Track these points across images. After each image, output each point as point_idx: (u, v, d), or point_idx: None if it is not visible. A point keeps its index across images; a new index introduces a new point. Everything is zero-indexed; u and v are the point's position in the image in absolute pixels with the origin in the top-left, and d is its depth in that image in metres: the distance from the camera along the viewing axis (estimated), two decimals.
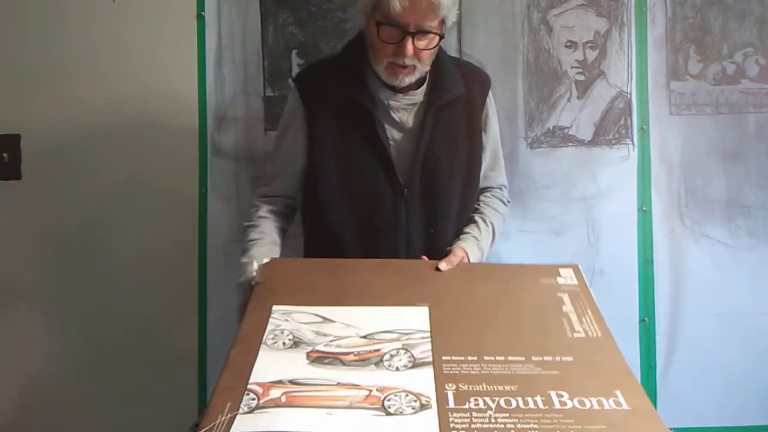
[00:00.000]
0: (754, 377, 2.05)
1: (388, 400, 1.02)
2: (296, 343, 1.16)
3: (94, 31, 2.03)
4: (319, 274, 1.39)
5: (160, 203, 2.03)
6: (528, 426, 0.97)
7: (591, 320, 1.28)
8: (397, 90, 1.55)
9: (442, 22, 1.47)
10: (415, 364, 1.12)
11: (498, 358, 1.13)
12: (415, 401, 1.02)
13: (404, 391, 1.04)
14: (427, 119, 1.54)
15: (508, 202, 1.73)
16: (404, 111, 1.56)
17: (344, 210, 1.54)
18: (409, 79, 1.50)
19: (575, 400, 1.04)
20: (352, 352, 1.14)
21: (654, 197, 2.07)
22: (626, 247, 2.06)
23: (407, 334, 1.19)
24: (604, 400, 1.05)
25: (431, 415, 0.99)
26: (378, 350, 1.15)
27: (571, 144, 2.07)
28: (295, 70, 2.02)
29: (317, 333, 1.19)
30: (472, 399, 1.03)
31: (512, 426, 0.97)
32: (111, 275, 2.03)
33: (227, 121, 2.05)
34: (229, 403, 1.00)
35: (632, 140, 2.07)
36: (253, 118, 2.04)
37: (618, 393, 1.06)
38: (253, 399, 1.01)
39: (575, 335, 1.23)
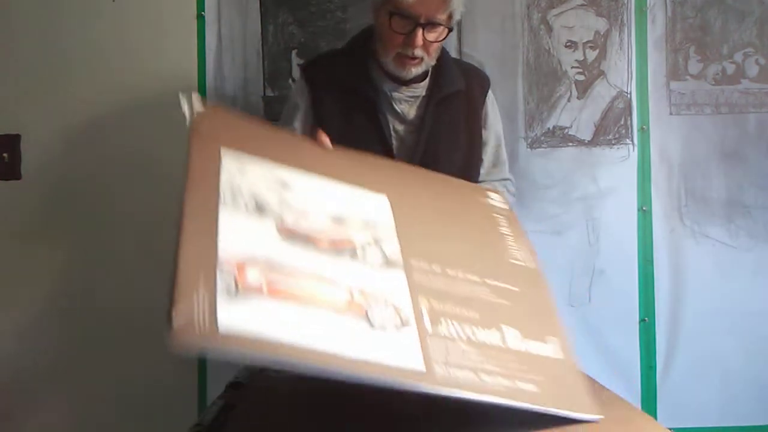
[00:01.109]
0: (754, 377, 2.05)
1: (371, 310, 0.97)
2: (260, 208, 1.02)
3: (94, 31, 2.03)
4: (269, 132, 1.27)
5: (160, 203, 2.03)
6: (490, 367, 0.97)
7: (526, 249, 1.27)
8: (400, 82, 1.58)
9: (450, 15, 1.50)
10: (388, 262, 1.06)
11: (459, 274, 1.11)
12: (395, 316, 0.98)
13: (385, 301, 0.99)
14: (427, 111, 1.58)
15: (514, 195, 1.73)
16: (406, 103, 1.59)
17: None
18: (415, 71, 1.54)
19: (525, 342, 1.05)
20: (325, 238, 1.05)
21: (654, 197, 2.07)
22: (626, 247, 2.06)
23: (374, 224, 1.12)
24: (545, 346, 1.07)
25: (413, 336, 0.96)
26: (350, 240, 1.07)
27: (571, 144, 2.07)
28: (295, 70, 2.02)
29: (281, 201, 1.06)
30: (443, 321, 1.00)
31: (479, 366, 0.96)
32: (111, 275, 2.03)
33: None
34: (202, 274, 0.87)
35: (632, 140, 2.07)
36: None
37: (555, 340, 1.09)
38: (230, 278, 0.88)
39: (515, 262, 1.23)
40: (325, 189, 1.14)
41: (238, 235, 0.95)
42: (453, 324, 1.01)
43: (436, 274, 1.08)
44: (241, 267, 0.89)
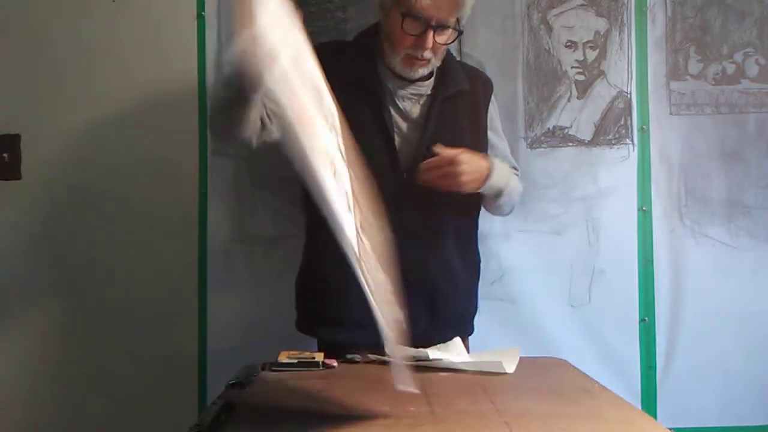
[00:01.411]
0: (754, 377, 2.05)
1: (338, 179, 1.04)
2: (282, 27, 1.06)
3: (95, 31, 2.03)
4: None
5: (160, 203, 2.04)
6: (380, 300, 1.02)
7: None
8: (405, 79, 1.59)
9: (458, 19, 1.52)
10: (342, 160, 1.12)
11: (365, 214, 1.16)
12: (346, 200, 1.04)
13: (342, 183, 1.05)
14: (432, 110, 1.59)
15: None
16: (409, 101, 1.60)
17: None
18: (422, 71, 1.56)
19: (393, 304, 1.11)
20: (320, 104, 1.12)
21: (654, 197, 2.07)
22: (626, 247, 2.06)
23: (336, 131, 1.16)
24: (398, 315, 1.13)
25: (353, 226, 1.01)
26: (331, 123, 1.13)
27: (571, 144, 2.07)
28: None
29: (297, 43, 1.10)
30: (364, 237, 1.07)
31: (377, 292, 1.01)
32: (111, 275, 2.03)
33: None
34: (253, 36, 0.93)
35: (632, 140, 2.07)
36: None
37: (394, 311, 1.14)
38: (266, 55, 0.94)
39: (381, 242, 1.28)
40: (317, 74, 1.18)
41: (271, 29, 0.98)
42: (368, 244, 1.07)
43: (358, 203, 1.14)
44: (272, 56, 0.95)
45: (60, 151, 2.03)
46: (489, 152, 1.67)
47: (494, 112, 1.70)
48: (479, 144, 1.64)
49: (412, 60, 1.53)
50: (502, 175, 1.59)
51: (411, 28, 1.48)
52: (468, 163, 1.48)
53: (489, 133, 1.68)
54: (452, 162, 1.46)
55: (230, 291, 2.03)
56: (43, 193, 2.04)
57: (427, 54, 1.51)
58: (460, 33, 1.54)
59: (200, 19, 2.04)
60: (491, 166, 1.55)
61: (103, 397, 2.03)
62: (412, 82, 1.59)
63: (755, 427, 2.05)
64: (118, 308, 2.03)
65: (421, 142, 1.57)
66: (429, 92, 1.61)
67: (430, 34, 1.48)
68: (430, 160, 1.48)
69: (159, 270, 2.03)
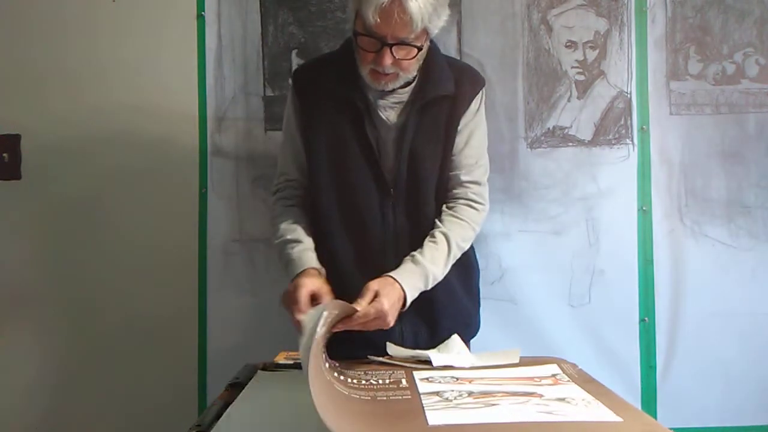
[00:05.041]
0: (754, 377, 2.05)
1: None
2: None
3: (95, 31, 2.03)
4: None
5: (160, 203, 2.04)
6: None
7: None
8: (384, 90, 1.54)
9: (425, 32, 1.45)
10: None
11: None
12: None
13: None
14: (410, 118, 1.53)
15: (483, 204, 1.61)
16: (390, 109, 1.56)
17: (334, 204, 1.55)
18: (392, 85, 1.51)
19: None
20: None
21: (654, 197, 2.07)
22: (626, 247, 2.06)
23: None
24: None
25: None
26: None
27: (571, 144, 2.07)
28: None
29: None
30: None
31: None
32: (111, 275, 2.03)
33: (227, 121, 2.05)
34: None
35: (632, 140, 2.07)
36: (253, 118, 2.05)
37: None
38: None
39: None
40: None
41: None
42: None
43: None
44: None
45: (60, 151, 2.03)
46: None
47: (474, 109, 1.58)
48: (452, 146, 1.56)
49: (377, 75, 1.48)
50: (417, 285, 1.46)
51: (366, 45, 1.44)
52: (390, 307, 1.37)
53: (458, 128, 1.56)
54: (378, 317, 1.36)
55: (230, 291, 2.03)
56: (43, 193, 2.04)
57: (389, 69, 1.45)
58: (420, 49, 1.46)
59: (200, 19, 2.04)
60: (403, 292, 1.42)
61: (104, 397, 2.03)
62: (391, 91, 1.53)
63: (755, 427, 2.05)
64: (117, 308, 2.03)
65: (401, 151, 1.53)
66: (408, 98, 1.55)
67: (387, 51, 1.42)
68: (358, 316, 1.34)
69: (159, 269, 2.04)
